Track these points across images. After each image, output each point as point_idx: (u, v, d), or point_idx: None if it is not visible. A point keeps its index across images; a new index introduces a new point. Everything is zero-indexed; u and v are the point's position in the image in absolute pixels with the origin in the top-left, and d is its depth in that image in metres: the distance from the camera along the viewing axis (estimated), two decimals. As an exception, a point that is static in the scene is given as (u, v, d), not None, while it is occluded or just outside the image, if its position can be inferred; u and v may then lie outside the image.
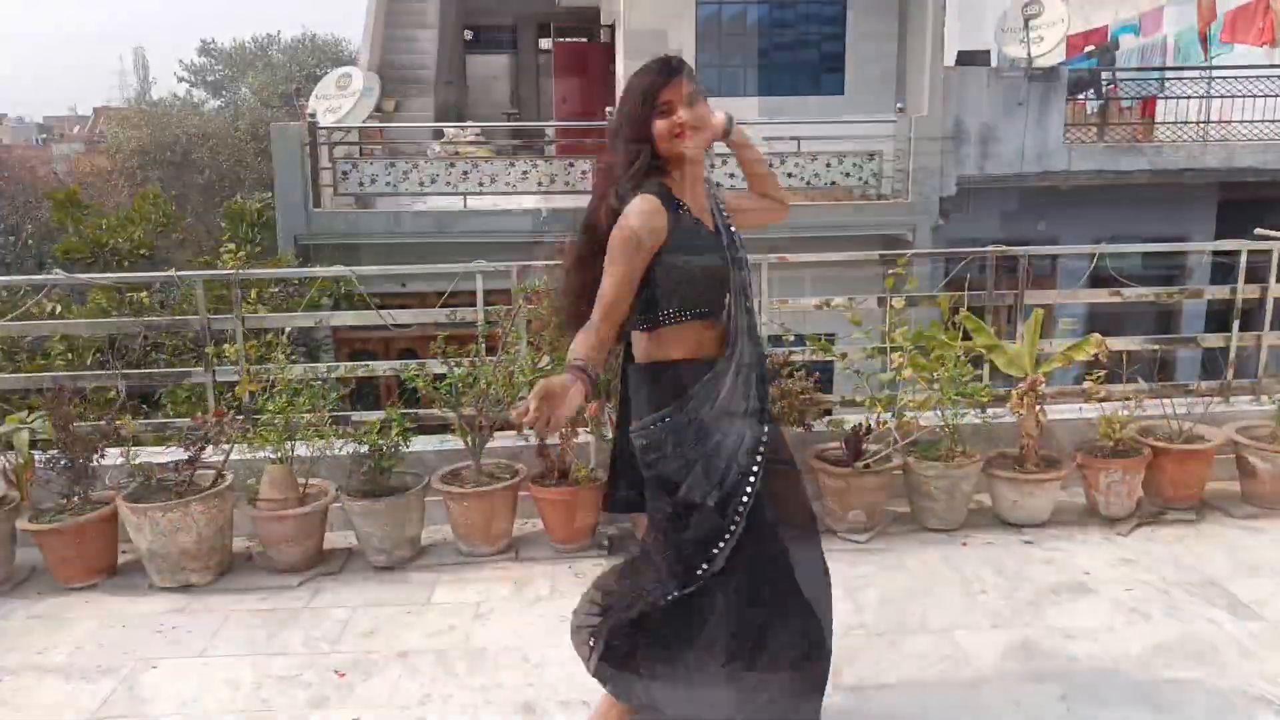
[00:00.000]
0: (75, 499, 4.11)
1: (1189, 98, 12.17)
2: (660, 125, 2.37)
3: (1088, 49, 16.86)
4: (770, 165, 2.74)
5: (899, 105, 11.31)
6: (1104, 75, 12.95)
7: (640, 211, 2.34)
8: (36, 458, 4.12)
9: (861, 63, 12.35)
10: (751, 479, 2.43)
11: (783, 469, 2.58)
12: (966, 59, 13.23)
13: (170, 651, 3.52)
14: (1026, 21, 11.11)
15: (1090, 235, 11.04)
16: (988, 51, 13.74)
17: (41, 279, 4.94)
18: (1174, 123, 12.23)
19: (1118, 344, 5.07)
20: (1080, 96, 12.61)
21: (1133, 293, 5.17)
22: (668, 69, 2.39)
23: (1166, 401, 4.71)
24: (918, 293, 4.69)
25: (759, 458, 2.45)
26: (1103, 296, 5.28)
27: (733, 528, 2.40)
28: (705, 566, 2.40)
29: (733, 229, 2.57)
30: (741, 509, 2.40)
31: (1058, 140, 11.75)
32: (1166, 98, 12.41)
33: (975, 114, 11.69)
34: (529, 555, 4.25)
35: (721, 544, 2.40)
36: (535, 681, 3.24)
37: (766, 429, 2.50)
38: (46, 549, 4.03)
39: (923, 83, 11.28)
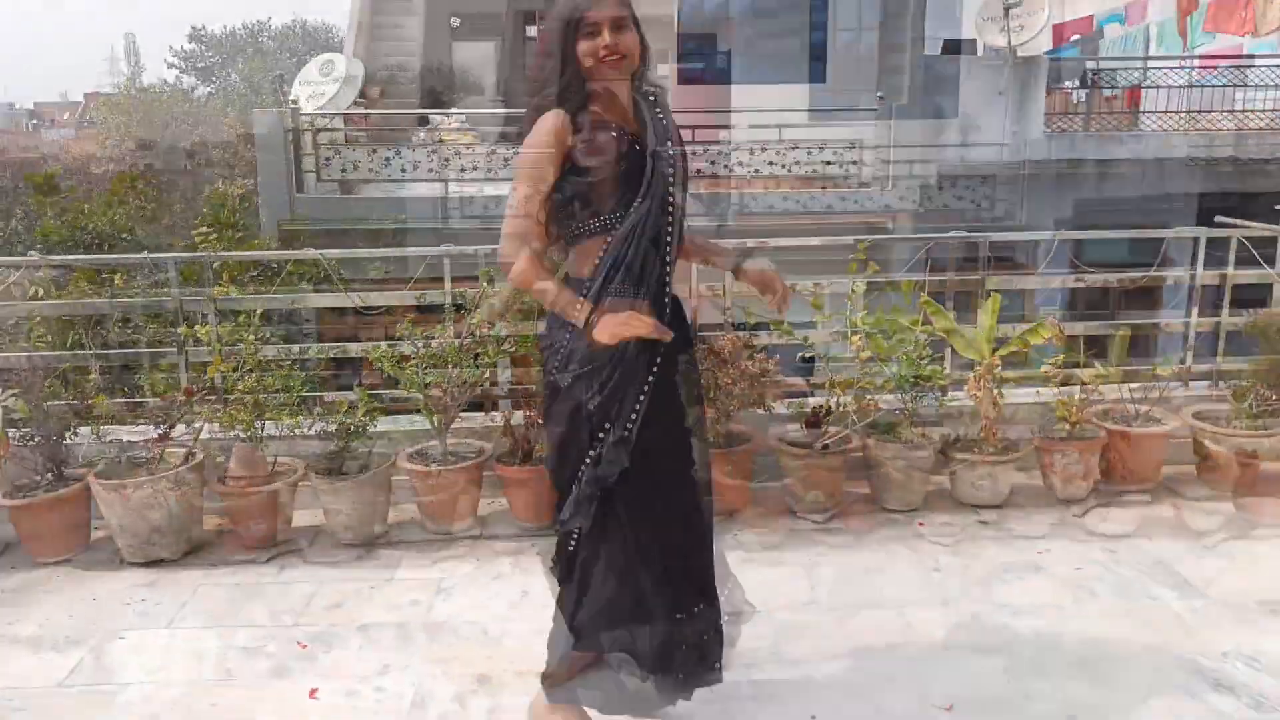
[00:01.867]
0: (49, 475, 4.18)
1: (1170, 87, 12.27)
2: (584, 46, 2.34)
3: (1073, 38, 16.95)
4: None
5: (879, 94, 11.39)
6: (1088, 65, 13.08)
7: (541, 127, 2.34)
8: (11, 435, 4.18)
9: (843, 51, 12.42)
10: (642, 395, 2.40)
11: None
12: (952, 48, 13.30)
13: (139, 623, 3.60)
14: (1007, 10, 11.17)
15: (1071, 223, 11.15)
16: (974, 41, 13.81)
17: (15, 260, 4.99)
18: (1155, 112, 12.33)
19: (1079, 328, 5.16)
20: (1063, 85, 12.70)
21: (1095, 278, 5.25)
22: None
23: (1125, 385, 4.81)
24: (879, 277, 4.76)
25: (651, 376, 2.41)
26: (1066, 282, 5.35)
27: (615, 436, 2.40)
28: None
29: (666, 126, 2.47)
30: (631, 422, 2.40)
31: (1038, 129, 11.85)
32: (1149, 87, 12.51)
33: (955, 102, 11.78)
34: (493, 533, 4.32)
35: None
36: (493, 653, 3.31)
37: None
38: (20, 524, 4.10)
39: (903, 71, 11.36)
